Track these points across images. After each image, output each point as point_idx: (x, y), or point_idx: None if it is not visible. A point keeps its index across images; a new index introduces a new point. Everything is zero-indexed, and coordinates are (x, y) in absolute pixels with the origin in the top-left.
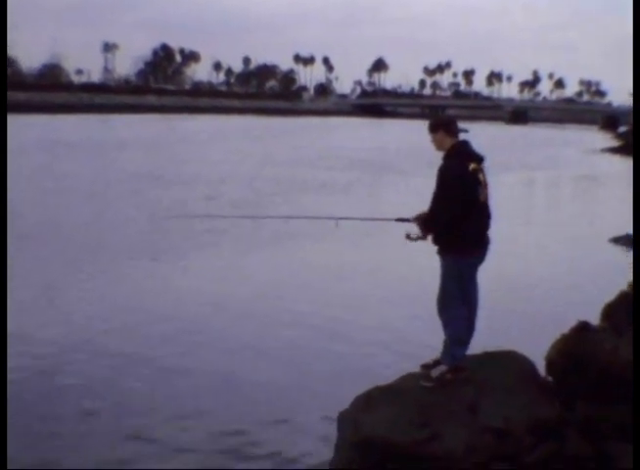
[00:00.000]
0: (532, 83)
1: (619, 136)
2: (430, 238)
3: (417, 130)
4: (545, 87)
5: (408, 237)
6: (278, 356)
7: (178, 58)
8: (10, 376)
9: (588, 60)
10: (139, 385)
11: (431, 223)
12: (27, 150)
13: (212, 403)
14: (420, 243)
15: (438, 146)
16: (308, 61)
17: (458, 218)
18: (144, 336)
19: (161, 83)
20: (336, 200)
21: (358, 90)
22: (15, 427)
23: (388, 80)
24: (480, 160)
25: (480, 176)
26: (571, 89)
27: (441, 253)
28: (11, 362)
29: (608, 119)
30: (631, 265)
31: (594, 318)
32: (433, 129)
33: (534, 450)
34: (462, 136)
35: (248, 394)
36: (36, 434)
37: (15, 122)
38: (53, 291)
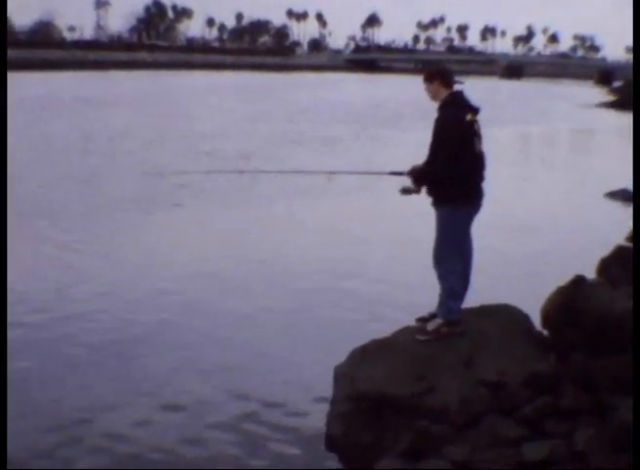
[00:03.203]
0: (526, 38)
1: (614, 91)
2: (424, 190)
3: (411, 85)
4: (539, 42)
5: (403, 191)
6: (275, 310)
7: (171, 14)
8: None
9: (583, 14)
10: (136, 359)
11: (429, 174)
12: (20, 107)
13: (208, 362)
14: (415, 196)
15: (433, 96)
16: (301, 16)
17: (454, 169)
18: (138, 302)
19: (154, 40)
20: (330, 154)
21: (352, 46)
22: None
23: (381, 36)
24: (475, 110)
25: (476, 127)
26: (566, 44)
27: (436, 204)
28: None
29: (602, 74)
30: (630, 219)
31: (590, 273)
32: (428, 79)
33: (530, 403)
34: (457, 87)
35: (245, 349)
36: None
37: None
38: (48, 250)
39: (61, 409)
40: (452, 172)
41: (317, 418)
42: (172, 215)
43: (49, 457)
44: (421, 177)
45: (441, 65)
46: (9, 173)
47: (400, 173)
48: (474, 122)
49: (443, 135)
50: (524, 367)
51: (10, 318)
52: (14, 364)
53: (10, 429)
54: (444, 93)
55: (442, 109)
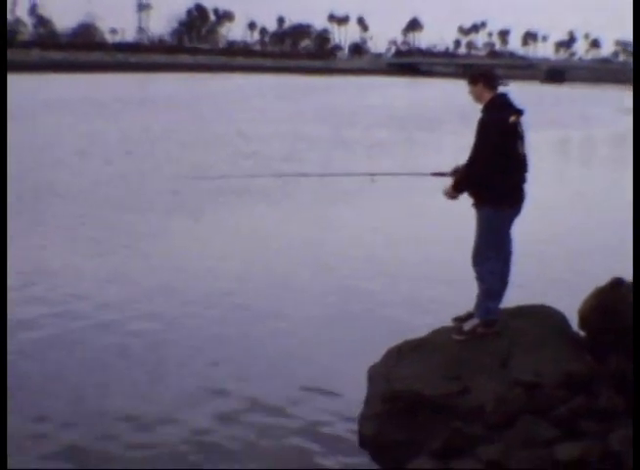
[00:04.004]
0: (568, 43)
1: None
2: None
3: (452, 89)
4: (581, 47)
5: (447, 193)
6: (310, 310)
7: (212, 17)
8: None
9: (625, 20)
10: (164, 354)
11: (469, 176)
12: (60, 108)
13: (240, 360)
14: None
15: (477, 98)
16: (343, 20)
17: (496, 171)
18: (172, 298)
19: (195, 43)
20: (372, 157)
21: (393, 50)
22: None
23: (422, 40)
24: (519, 112)
25: (520, 129)
26: (607, 49)
27: (477, 205)
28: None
29: None
30: None
31: (628, 275)
32: (472, 81)
33: (566, 404)
34: (501, 89)
35: (280, 348)
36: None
37: (49, 81)
38: (83, 250)
39: (62, 411)
40: (493, 174)
41: (349, 418)
42: (215, 216)
43: (49, 457)
44: (462, 181)
45: (486, 67)
46: (44, 170)
47: (442, 174)
48: (517, 124)
49: (486, 136)
50: (559, 367)
51: (24, 318)
52: (16, 365)
53: (10, 429)
54: (488, 95)
55: (486, 110)
